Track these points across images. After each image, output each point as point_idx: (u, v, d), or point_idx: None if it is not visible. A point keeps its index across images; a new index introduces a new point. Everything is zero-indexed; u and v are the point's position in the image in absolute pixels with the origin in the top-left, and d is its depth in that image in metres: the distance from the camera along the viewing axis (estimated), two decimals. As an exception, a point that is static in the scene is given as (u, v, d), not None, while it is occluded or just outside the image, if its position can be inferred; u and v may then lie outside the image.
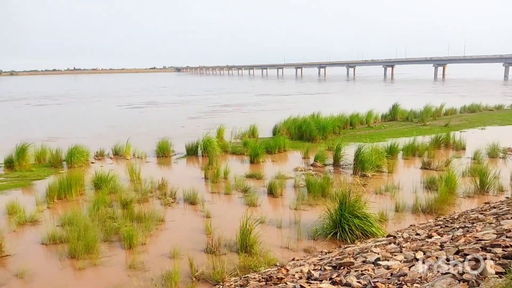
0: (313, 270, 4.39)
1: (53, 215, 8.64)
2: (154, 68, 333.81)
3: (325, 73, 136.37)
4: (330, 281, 3.75)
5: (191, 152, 14.57)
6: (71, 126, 23.22)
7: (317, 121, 17.86)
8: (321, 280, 3.89)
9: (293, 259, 6.14)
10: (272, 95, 46.35)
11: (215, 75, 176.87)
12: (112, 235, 7.24)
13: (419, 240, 5.21)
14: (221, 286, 5.19)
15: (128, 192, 9.63)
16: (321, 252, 6.40)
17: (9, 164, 12.92)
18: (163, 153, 14.40)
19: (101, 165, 13.07)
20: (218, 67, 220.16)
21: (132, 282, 5.63)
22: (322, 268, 4.44)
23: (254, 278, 5.05)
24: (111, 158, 14.38)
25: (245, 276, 5.51)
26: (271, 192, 9.71)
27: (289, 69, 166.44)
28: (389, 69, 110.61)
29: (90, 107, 36.87)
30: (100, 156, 14.42)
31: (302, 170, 11.93)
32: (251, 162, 13.15)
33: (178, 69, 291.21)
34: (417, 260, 4.00)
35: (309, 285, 3.65)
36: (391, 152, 13.01)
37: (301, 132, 17.05)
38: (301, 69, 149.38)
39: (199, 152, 14.57)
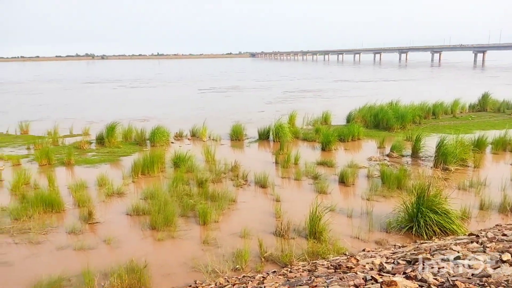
0: (386, 262, 4.25)
1: (137, 189, 9.40)
2: (230, 53, 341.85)
3: (406, 59, 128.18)
4: (403, 276, 3.60)
5: (263, 136, 14.78)
6: (157, 108, 24.80)
7: (396, 109, 16.97)
8: (394, 274, 3.75)
9: (364, 250, 6.00)
10: (350, 81, 44.91)
11: (289, 60, 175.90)
12: (188, 211, 7.69)
13: (506, 241, 4.77)
14: (289, 269, 5.26)
15: (203, 172, 10.13)
16: (394, 245, 6.16)
17: (100, 140, 14.25)
18: (236, 136, 14.81)
19: (180, 145, 13.84)
20: (292, 53, 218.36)
21: (206, 256, 5.95)
22: (396, 262, 4.28)
23: (323, 264, 5.04)
24: (188, 139, 15.17)
25: (313, 262, 5.52)
26: (343, 180, 9.51)
27: (367, 54, 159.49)
28: (479, 55, 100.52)
29: (175, 90, 38.97)
30: (179, 137, 15.28)
31: (376, 160, 11.48)
32: (323, 149, 12.97)
33: (252, 55, 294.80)
34: (503, 262, 3.67)
35: (380, 277, 3.54)
36: (479, 145, 11.95)
37: (377, 121, 16.35)
38: (380, 55, 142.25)
39: (271, 137, 14.73)
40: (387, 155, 12.00)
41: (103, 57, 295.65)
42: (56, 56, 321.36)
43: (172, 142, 14.51)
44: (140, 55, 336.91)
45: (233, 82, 46.64)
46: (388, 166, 10.65)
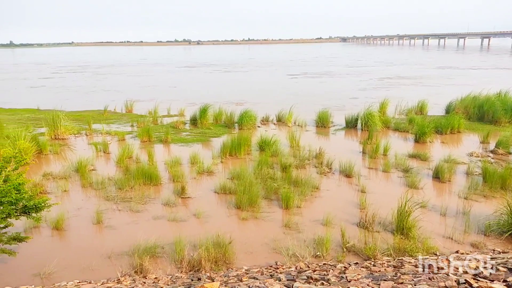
0: (483, 267, 3.88)
1: (224, 169, 9.85)
2: (320, 38, 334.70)
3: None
4: (504, 283, 3.26)
5: (350, 124, 14.33)
6: (247, 91, 25.50)
7: (504, 101, 15.12)
8: (492, 280, 3.42)
9: (457, 252, 5.55)
10: (454, 68, 41.08)
11: (384, 45, 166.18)
12: (271, 194, 7.86)
13: None
14: (372, 262, 5.10)
15: (287, 157, 10.21)
16: (493, 250, 5.59)
17: (194, 121, 15.15)
18: (322, 123, 14.60)
19: (266, 130, 14.10)
20: (387, 37, 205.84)
21: (287, 239, 6.05)
22: (494, 268, 3.88)
23: (410, 262, 4.78)
24: (274, 124, 15.36)
25: (399, 258, 5.27)
26: (437, 176, 8.83)
27: (473, 39, 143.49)
28: None
29: (266, 75, 39.64)
30: (265, 121, 15.56)
31: (478, 156, 10.43)
32: (416, 141, 12.15)
33: (343, 39, 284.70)
34: None
35: (476, 282, 3.25)
36: None
37: (482, 113, 14.76)
38: (489, 39, 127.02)
39: (359, 125, 14.21)
40: (492, 151, 10.81)
41: (198, 43, 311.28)
42: (157, 42, 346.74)
43: (259, 126, 14.83)
44: (232, 40, 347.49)
45: (324, 68, 45.68)
46: (491, 163, 9.61)
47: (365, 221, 6.54)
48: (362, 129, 13.89)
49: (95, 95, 25.31)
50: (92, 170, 9.62)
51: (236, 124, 14.85)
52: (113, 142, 12.44)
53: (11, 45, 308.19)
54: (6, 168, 5.17)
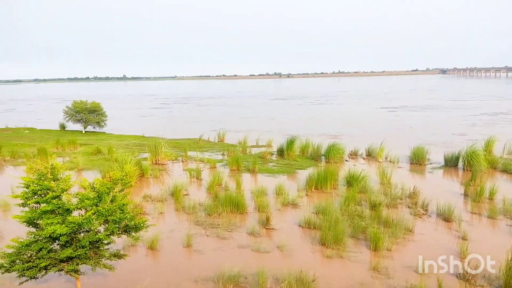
0: None
1: (309, 202, 9.72)
2: (416, 70, 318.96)
3: None
4: None
5: (450, 163, 13.18)
6: (337, 124, 25.24)
7: None
8: None
9: None
10: None
11: (489, 78, 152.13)
12: (359, 233, 7.50)
13: None
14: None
15: (377, 195, 9.71)
16: None
17: (280, 152, 15.35)
18: (417, 160, 13.66)
19: (354, 164, 13.66)
20: (493, 69, 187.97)
21: (375, 284, 5.67)
22: None
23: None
24: (363, 158, 14.82)
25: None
26: (558, 228, 7.59)
27: None
28: None
29: (358, 107, 38.97)
30: (353, 155, 15.11)
31: None
32: (531, 185, 10.67)
33: (443, 71, 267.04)
34: None
35: None
36: None
37: None
38: None
39: (460, 164, 13.00)
40: None
41: (288, 76, 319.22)
42: (250, 75, 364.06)
43: (347, 160, 14.44)
44: (322, 73, 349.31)
45: (423, 101, 43.07)
46: None
47: (466, 273, 5.85)
48: (464, 169, 12.68)
49: (193, 124, 27.30)
50: (186, 194, 10.24)
51: (323, 157, 14.66)
52: (205, 169, 13.15)
53: (124, 78, 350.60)
54: (114, 189, 5.76)
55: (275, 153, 15.67)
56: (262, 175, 12.44)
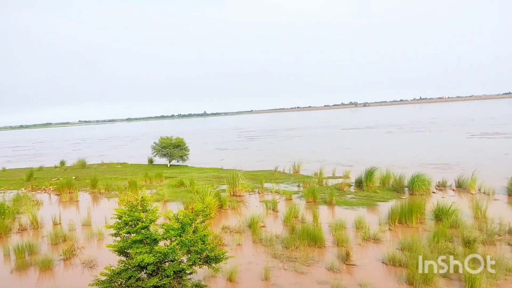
0: None
1: (393, 237, 9.12)
2: (510, 93, 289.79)
3: None
4: None
5: (560, 195, 11.54)
6: (418, 154, 23.81)
7: None
8: None
9: None
10: None
11: None
12: (450, 272, 6.80)
13: None
14: None
15: (471, 230, 8.80)
16: None
17: (359, 184, 14.79)
18: (517, 191, 12.19)
19: (443, 196, 12.62)
20: None
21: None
22: None
23: None
24: (453, 190, 13.64)
25: None
26: None
27: None
28: None
29: (438, 136, 36.58)
30: (442, 186, 13.99)
31: None
32: None
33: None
34: None
35: None
36: None
37: None
38: None
39: None
40: None
41: (365, 105, 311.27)
42: (325, 106, 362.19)
43: (434, 192, 13.40)
44: (401, 100, 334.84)
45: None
46: None
47: None
48: None
49: (270, 156, 27.68)
50: (262, 226, 10.28)
51: (406, 189, 13.79)
52: (281, 201, 13.14)
53: (204, 114, 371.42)
54: (196, 220, 6.02)
55: (353, 184, 15.14)
56: (339, 208, 12.05)
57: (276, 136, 49.65)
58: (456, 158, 20.83)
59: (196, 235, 5.85)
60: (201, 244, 5.78)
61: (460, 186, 13.71)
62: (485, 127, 41.00)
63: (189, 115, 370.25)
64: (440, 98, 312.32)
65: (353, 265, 7.58)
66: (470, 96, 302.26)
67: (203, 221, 6.25)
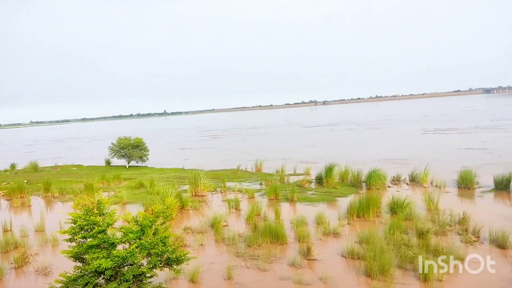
0: None
1: (351, 231, 9.41)
2: (458, 91, 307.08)
3: None
4: None
5: (501, 186, 12.39)
6: (375, 150, 24.68)
7: None
8: None
9: None
10: None
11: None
12: (406, 263, 7.12)
13: None
14: None
15: (424, 222, 9.25)
16: None
17: (319, 180, 15.12)
18: (465, 184, 12.97)
19: (397, 190, 13.18)
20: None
21: (426, 318, 5.31)
22: None
23: None
24: (407, 184, 14.27)
25: None
26: None
27: None
28: None
29: (395, 132, 38.07)
30: (396, 181, 14.60)
31: None
32: None
33: (487, 91, 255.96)
34: None
35: None
36: None
37: None
38: None
39: (513, 187, 12.20)
40: None
41: (324, 103, 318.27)
42: (286, 104, 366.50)
43: (389, 186, 13.96)
44: (358, 98, 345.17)
45: (473, 122, 41.30)
46: None
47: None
48: (518, 192, 11.87)
49: (228, 155, 27.65)
50: (225, 226, 10.25)
51: (364, 184, 14.27)
52: (243, 200, 13.17)
53: (164, 114, 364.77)
54: (156, 222, 5.90)
55: (314, 181, 15.46)
56: (301, 204, 12.26)
57: (239, 134, 49.71)
58: (412, 153, 21.82)
59: (156, 237, 5.74)
60: (162, 246, 5.67)
61: (414, 180, 14.37)
62: (438, 123, 43.24)
63: (149, 115, 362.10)
64: (394, 96, 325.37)
65: (314, 260, 7.74)
66: (423, 94, 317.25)
67: (163, 223, 6.14)
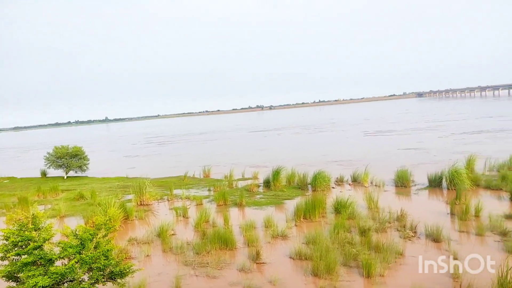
0: None
1: (299, 232, 9.62)
2: (393, 95, 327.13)
3: None
4: None
5: (434, 183, 13.35)
6: (320, 152, 25.46)
7: None
8: None
9: None
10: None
11: (464, 98, 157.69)
12: (350, 260, 7.41)
13: None
14: None
15: (366, 220, 9.69)
16: None
17: (267, 184, 15.31)
18: (402, 182, 13.81)
19: (341, 191, 13.70)
20: (468, 89, 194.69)
21: (370, 313, 5.55)
22: None
23: None
24: (349, 184, 14.89)
25: None
26: (544, 240, 7.68)
27: None
28: None
29: (339, 135, 39.56)
30: (340, 182, 15.18)
31: None
32: (513, 199, 10.86)
33: (419, 94, 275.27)
34: None
35: None
36: None
37: None
38: None
39: (444, 184, 13.18)
40: None
41: (270, 108, 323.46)
42: (233, 109, 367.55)
43: (333, 187, 14.48)
44: (303, 103, 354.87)
45: (407, 124, 44.13)
46: None
47: (461, 294, 5.81)
48: (448, 188, 12.84)
49: (175, 162, 27.12)
50: (173, 234, 10.02)
51: (310, 186, 14.67)
52: (191, 207, 12.96)
53: (106, 120, 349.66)
54: (97, 235, 5.62)
55: (262, 185, 15.62)
56: (249, 208, 12.32)
57: (188, 140, 48.95)
58: (356, 154, 22.82)
59: (98, 250, 5.47)
60: (104, 259, 5.41)
61: (356, 180, 15.04)
62: (378, 125, 45.73)
63: (89, 122, 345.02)
64: (336, 100, 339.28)
65: (263, 263, 7.80)
66: (362, 98, 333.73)
67: (106, 235, 5.87)
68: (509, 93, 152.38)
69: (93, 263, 5.25)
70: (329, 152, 25.09)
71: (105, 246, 5.55)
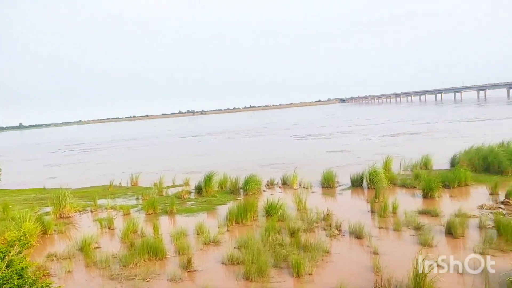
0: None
1: (231, 237, 9.63)
2: (319, 101, 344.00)
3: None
4: None
5: (356, 183, 14.24)
6: (254, 157, 25.75)
7: (508, 150, 15.11)
8: None
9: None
10: (452, 122, 41.68)
11: (381, 103, 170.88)
12: (281, 261, 7.59)
13: None
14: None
15: (295, 221, 10.02)
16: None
17: (199, 190, 15.12)
18: (328, 183, 14.52)
19: (271, 194, 14.00)
20: (384, 96, 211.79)
21: (299, 311, 5.73)
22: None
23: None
24: (279, 187, 15.29)
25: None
26: (450, 232, 8.57)
27: (470, 92, 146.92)
28: None
29: (271, 139, 40.34)
30: (270, 185, 15.52)
31: (489, 208, 10.19)
32: (424, 196, 11.97)
33: (342, 100, 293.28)
34: None
35: None
36: None
37: (487, 164, 14.67)
38: (485, 91, 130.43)
39: (365, 184, 14.12)
40: (502, 203, 10.59)
41: (202, 113, 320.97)
42: (162, 114, 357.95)
43: (264, 191, 14.75)
44: (234, 108, 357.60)
45: (330, 128, 46.50)
46: (504, 215, 9.36)
47: (381, 286, 6.25)
48: (368, 187, 13.77)
49: (102, 170, 25.66)
50: (97, 247, 9.44)
51: (241, 190, 14.79)
52: (118, 217, 12.35)
53: (20, 127, 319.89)
54: (10, 252, 5.10)
55: (194, 191, 15.39)
56: (180, 216, 12.06)
57: (115, 147, 46.56)
58: (287, 158, 23.44)
59: (10, 269, 4.96)
60: (18, 279, 4.92)
61: (285, 183, 15.49)
62: (308, 129, 47.59)
63: (1, 129, 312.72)
64: (266, 106, 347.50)
65: (195, 271, 7.67)
66: (290, 104, 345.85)
67: (20, 252, 5.35)
68: (419, 98, 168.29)
69: (5, 283, 4.75)
70: (263, 156, 25.52)
71: (19, 264, 5.05)
